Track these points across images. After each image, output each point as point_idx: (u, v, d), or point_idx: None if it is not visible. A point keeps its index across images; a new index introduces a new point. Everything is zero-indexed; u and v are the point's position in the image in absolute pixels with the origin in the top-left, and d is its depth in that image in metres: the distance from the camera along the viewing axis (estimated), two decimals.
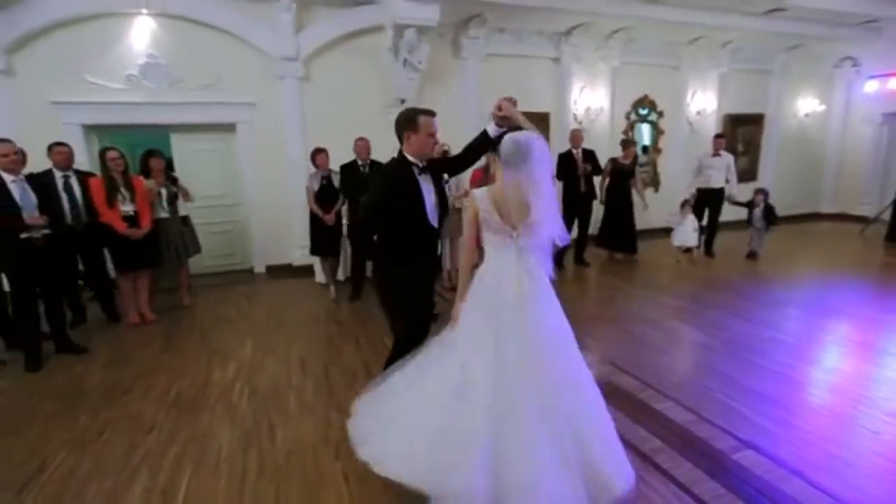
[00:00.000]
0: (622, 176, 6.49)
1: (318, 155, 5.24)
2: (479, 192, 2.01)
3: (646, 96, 8.02)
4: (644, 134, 8.33)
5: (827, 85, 9.55)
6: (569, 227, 6.33)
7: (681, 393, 3.06)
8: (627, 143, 6.65)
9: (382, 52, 6.25)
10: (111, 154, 4.38)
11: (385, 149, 5.99)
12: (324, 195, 5.24)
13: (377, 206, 2.33)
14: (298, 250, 6.31)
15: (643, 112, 8.10)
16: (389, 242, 2.40)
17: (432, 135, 2.38)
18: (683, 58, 8.04)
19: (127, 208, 4.43)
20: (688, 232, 6.46)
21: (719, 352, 3.73)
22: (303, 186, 5.48)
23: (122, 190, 4.42)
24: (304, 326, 4.60)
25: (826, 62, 9.36)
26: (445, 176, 2.52)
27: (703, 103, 8.33)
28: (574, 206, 6.25)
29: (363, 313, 4.88)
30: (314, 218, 5.28)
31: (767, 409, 2.86)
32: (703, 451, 2.47)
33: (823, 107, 9.53)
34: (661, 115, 8.20)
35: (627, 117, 7.98)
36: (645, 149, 8.29)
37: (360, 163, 5.21)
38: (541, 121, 7.35)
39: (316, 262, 5.84)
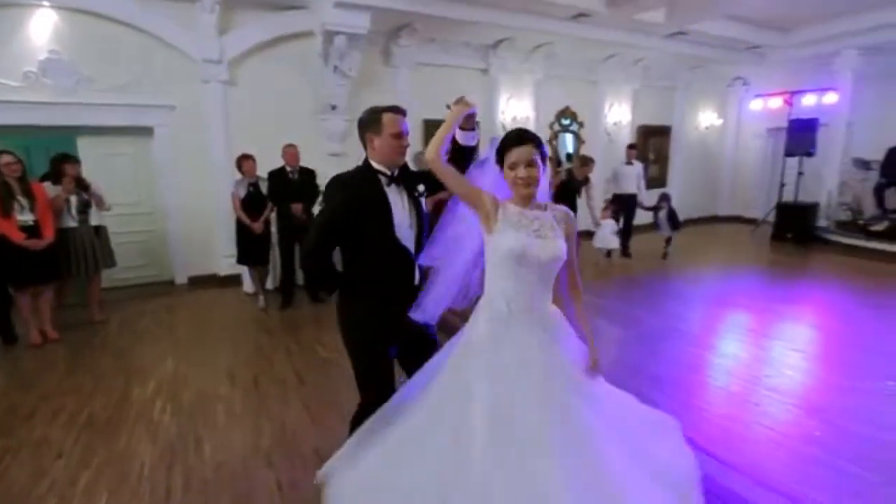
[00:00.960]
0: (569, 189, 6.16)
1: (244, 161, 5.09)
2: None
3: (567, 108, 8.53)
4: (567, 143, 8.85)
5: (723, 101, 10.66)
6: None
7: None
8: (586, 159, 6.51)
9: (312, 57, 6.18)
10: (5, 158, 4.00)
11: (315, 156, 5.96)
12: (251, 203, 5.10)
13: (333, 227, 1.89)
14: (224, 259, 6.05)
15: (566, 122, 8.60)
16: (352, 271, 1.97)
17: (399, 135, 1.94)
18: (601, 73, 8.64)
19: (26, 217, 4.07)
20: (608, 235, 6.94)
21: (631, 343, 4.07)
22: (228, 193, 5.29)
23: (20, 197, 4.05)
24: (232, 337, 4.44)
25: (722, 81, 10.46)
26: (421, 188, 2.08)
27: (619, 115, 9.00)
28: None
29: (294, 322, 4.80)
30: (241, 226, 5.12)
31: (671, 392, 3.17)
32: None
33: (721, 121, 10.63)
34: (581, 125, 8.74)
35: (551, 127, 8.44)
36: (568, 156, 8.82)
37: (288, 170, 5.13)
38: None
39: (244, 271, 5.65)
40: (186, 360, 3.88)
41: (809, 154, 8.25)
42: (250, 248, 5.17)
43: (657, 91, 9.63)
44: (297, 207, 5.10)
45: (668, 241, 7.29)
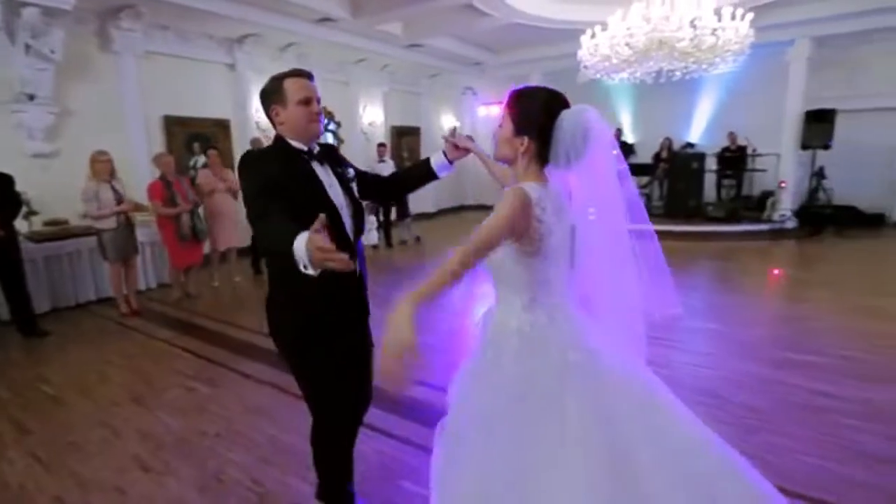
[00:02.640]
0: None
1: None
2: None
3: (325, 107, 8.74)
4: (328, 142, 9.10)
5: (458, 107, 12.48)
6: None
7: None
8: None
9: None
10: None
11: (10, 158, 4.77)
12: None
13: (269, 189, 1.51)
14: None
15: (324, 122, 8.81)
16: (283, 268, 1.48)
17: (308, 101, 1.63)
18: (352, 75, 9.13)
19: None
20: (369, 231, 7.49)
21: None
22: None
23: None
24: None
25: (456, 89, 12.22)
26: (351, 172, 1.82)
27: (373, 116, 9.68)
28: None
29: (1, 364, 3.85)
30: None
31: (433, 357, 3.77)
32: (384, 395, 3.12)
33: (458, 124, 12.42)
34: (339, 125, 9.10)
35: None
36: None
37: None
38: (220, 129, 7.15)
39: None
40: None
41: None
42: None
43: (405, 95, 10.69)
44: None
45: (408, 229, 8.22)
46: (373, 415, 2.84)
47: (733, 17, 4.96)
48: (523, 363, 1.34)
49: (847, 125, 8.06)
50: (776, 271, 6.42)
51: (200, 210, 5.51)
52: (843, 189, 8.49)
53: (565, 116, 1.34)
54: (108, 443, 2.72)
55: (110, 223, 4.71)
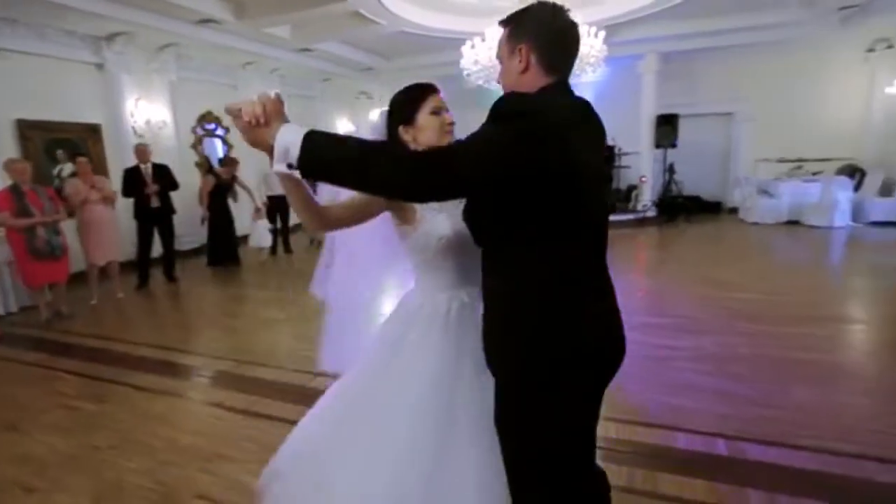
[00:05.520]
0: (221, 191, 6.86)
1: None
2: None
3: (209, 112, 8.37)
4: (216, 148, 8.71)
5: (354, 112, 12.56)
6: (147, 244, 6.06)
7: (274, 358, 3.76)
8: (229, 160, 7.27)
9: None
10: None
11: None
12: None
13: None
14: None
15: (209, 127, 8.43)
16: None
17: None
18: (240, 79, 8.83)
19: None
20: (263, 234, 7.36)
21: (295, 322, 4.68)
22: None
23: None
24: None
25: (351, 94, 12.29)
26: None
27: None
28: (148, 222, 6.02)
29: None
30: None
31: None
32: (290, 390, 3.22)
33: (354, 128, 12.49)
34: (228, 130, 8.74)
35: (194, 132, 8.14)
36: (220, 161, 8.70)
37: None
38: (90, 134, 6.59)
39: None
40: None
41: None
42: None
43: (298, 99, 10.53)
44: None
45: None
46: (280, 408, 2.95)
47: (589, 35, 5.70)
48: None
49: (690, 128, 9.53)
50: (642, 254, 7.43)
51: (64, 224, 5.00)
52: (690, 182, 9.97)
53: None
54: None
55: None
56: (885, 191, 8.34)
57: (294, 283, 6.15)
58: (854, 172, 8.71)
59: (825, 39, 8.60)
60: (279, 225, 7.76)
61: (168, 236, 6.23)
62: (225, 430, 2.80)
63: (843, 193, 8.14)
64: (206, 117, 8.30)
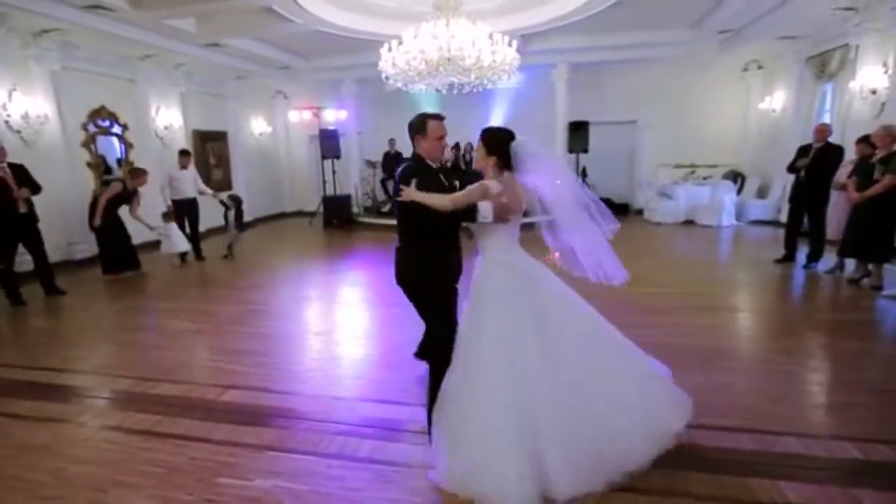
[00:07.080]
0: (119, 200, 6.38)
1: None
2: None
3: (104, 107, 7.59)
4: (114, 147, 7.94)
5: (270, 111, 12.03)
6: (11, 256, 5.32)
7: (181, 373, 3.49)
8: (139, 171, 6.60)
9: None
10: None
11: None
12: None
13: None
14: None
15: (104, 124, 7.66)
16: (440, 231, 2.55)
17: (441, 138, 2.56)
18: (139, 72, 8.11)
19: None
20: (178, 239, 6.83)
21: (209, 333, 4.38)
22: None
23: None
24: None
25: (266, 93, 11.76)
26: (457, 183, 2.61)
27: (170, 119, 8.73)
28: (10, 231, 5.25)
29: None
30: None
31: (245, 359, 3.71)
32: (198, 405, 3.01)
33: (270, 128, 11.98)
34: (126, 127, 8.00)
35: (85, 129, 7.34)
36: (119, 161, 7.96)
37: None
38: None
39: None
40: None
41: (337, 157, 10.59)
42: None
43: (207, 97, 9.90)
44: None
45: (231, 244, 7.51)
46: (187, 426, 2.74)
47: (503, 43, 5.92)
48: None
49: (599, 134, 10.19)
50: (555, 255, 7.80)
51: None
52: (601, 185, 10.65)
53: (514, 145, 2.33)
54: None
55: None
56: (761, 193, 9.48)
57: (208, 292, 5.75)
58: (736, 177, 9.83)
59: (708, 58, 9.61)
60: (188, 230, 7.22)
61: (37, 244, 5.48)
62: (123, 455, 2.55)
63: (728, 196, 9.13)
64: (99, 112, 7.51)
